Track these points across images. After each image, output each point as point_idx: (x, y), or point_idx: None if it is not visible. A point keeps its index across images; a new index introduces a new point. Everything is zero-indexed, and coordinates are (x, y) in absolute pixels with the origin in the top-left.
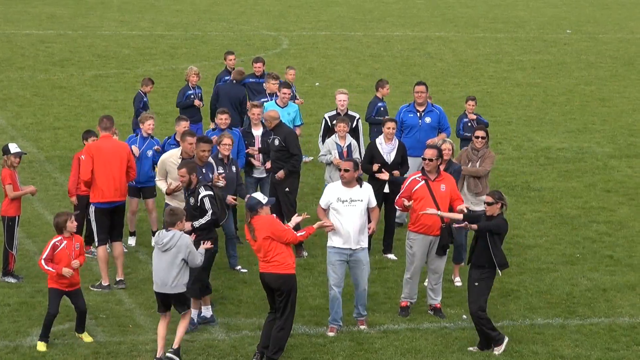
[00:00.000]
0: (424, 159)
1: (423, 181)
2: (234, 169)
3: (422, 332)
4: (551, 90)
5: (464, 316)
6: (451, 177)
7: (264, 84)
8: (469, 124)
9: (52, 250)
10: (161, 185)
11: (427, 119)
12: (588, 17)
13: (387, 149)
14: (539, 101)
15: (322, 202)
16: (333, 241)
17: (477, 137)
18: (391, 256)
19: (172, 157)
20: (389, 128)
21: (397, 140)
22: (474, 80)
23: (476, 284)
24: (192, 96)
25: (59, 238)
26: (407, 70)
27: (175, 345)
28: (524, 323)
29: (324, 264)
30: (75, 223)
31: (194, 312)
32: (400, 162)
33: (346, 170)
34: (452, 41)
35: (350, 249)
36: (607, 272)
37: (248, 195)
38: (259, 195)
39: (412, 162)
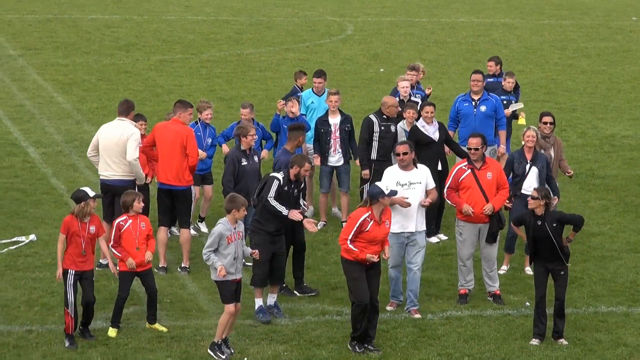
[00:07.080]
0: (469, 149)
1: (469, 170)
2: (256, 159)
3: (485, 319)
4: (616, 78)
5: (527, 303)
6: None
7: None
8: None
9: (117, 231)
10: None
11: (482, 108)
12: None
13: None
14: (603, 88)
15: (382, 187)
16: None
17: (546, 123)
18: (441, 236)
19: None
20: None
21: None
22: (538, 67)
23: (562, 272)
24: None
25: (124, 217)
26: (471, 57)
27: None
28: (588, 311)
29: None
30: (141, 204)
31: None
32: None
33: (404, 153)
34: (517, 28)
35: (408, 231)
36: None
37: (374, 184)
38: (383, 185)
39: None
